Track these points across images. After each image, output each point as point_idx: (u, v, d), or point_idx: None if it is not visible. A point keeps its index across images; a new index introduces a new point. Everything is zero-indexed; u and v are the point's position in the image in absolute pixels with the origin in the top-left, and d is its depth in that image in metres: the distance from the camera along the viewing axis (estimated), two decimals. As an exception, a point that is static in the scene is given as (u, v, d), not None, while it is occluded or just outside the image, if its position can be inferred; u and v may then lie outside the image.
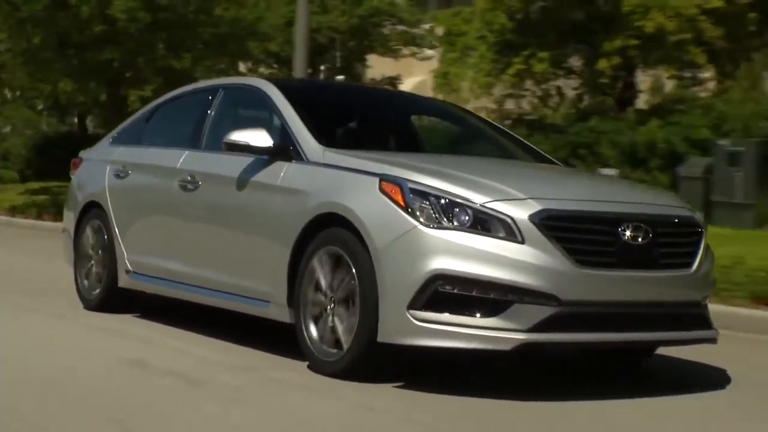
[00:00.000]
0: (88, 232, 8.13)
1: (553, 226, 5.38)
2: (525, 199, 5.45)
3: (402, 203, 5.48)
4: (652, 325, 5.63)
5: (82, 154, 8.79)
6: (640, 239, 5.55)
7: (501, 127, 7.58)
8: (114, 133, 8.59)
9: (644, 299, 5.58)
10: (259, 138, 6.35)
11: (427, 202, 5.43)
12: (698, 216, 6.04)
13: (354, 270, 5.60)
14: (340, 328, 5.69)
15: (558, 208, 5.46)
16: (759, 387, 6.18)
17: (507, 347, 5.27)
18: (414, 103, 8.21)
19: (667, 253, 5.69)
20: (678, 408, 5.45)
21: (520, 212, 5.37)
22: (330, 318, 5.76)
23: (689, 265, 5.76)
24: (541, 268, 5.30)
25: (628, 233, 5.52)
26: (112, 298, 7.81)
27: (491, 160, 6.77)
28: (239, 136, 6.42)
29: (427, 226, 5.38)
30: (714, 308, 6.26)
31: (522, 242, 5.32)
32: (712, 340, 5.95)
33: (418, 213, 5.42)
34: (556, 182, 6.06)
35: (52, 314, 7.68)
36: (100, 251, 7.95)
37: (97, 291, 7.92)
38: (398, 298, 5.38)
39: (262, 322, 6.40)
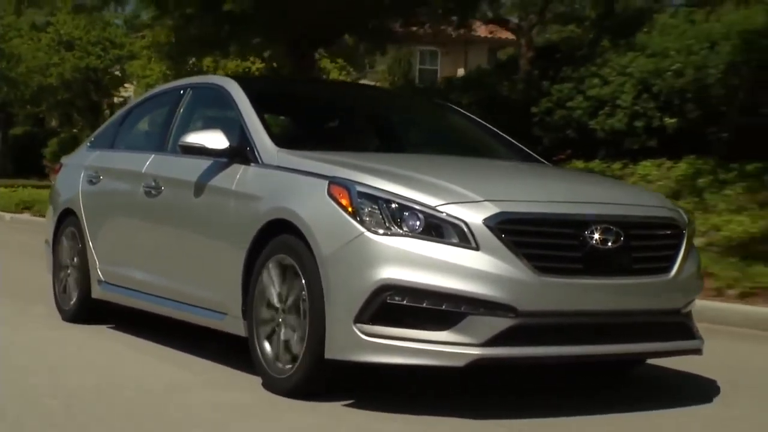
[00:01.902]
0: (64, 240, 7.85)
1: (511, 230, 4.93)
2: (481, 201, 5.01)
3: (349, 208, 5.07)
4: (625, 336, 5.17)
5: (63, 159, 8.52)
6: (610, 243, 5.09)
7: (485, 124, 7.12)
8: (92, 137, 8.30)
9: (615, 308, 5.12)
10: (215, 140, 5.99)
11: (376, 207, 5.02)
12: (680, 216, 5.56)
13: (303, 280, 5.21)
14: (292, 343, 5.30)
15: (516, 210, 5.01)
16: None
17: (460, 363, 4.84)
18: (392, 100, 7.81)
19: (642, 258, 5.23)
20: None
21: (474, 216, 4.94)
22: (282, 332, 5.38)
23: (668, 270, 5.29)
24: (497, 276, 4.86)
25: (596, 237, 5.07)
26: (86, 309, 7.51)
27: (457, 160, 6.31)
28: (194, 138, 6.07)
29: (375, 232, 4.97)
30: None
31: (476, 248, 4.89)
32: (696, 351, 5.47)
33: (366, 218, 5.01)
34: (520, 182, 5.58)
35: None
36: (75, 260, 7.66)
37: (73, 302, 7.62)
38: (345, 310, 4.97)
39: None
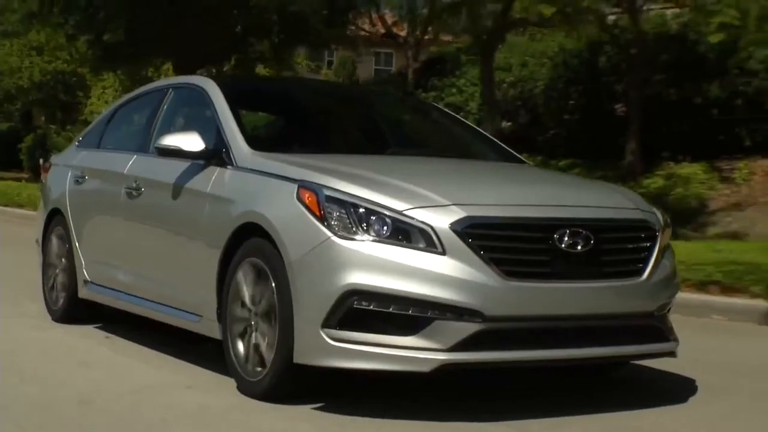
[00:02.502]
0: (52, 240, 7.87)
1: (478, 234, 4.90)
2: (448, 205, 4.98)
3: (317, 212, 5.05)
4: (595, 340, 5.13)
5: (52, 158, 8.53)
6: (579, 247, 5.06)
7: (469, 124, 7.09)
8: (80, 136, 8.30)
9: (585, 312, 5.08)
10: (191, 142, 5.98)
11: (344, 211, 5.00)
12: (655, 217, 5.51)
13: (273, 284, 5.20)
14: (262, 347, 5.30)
15: (483, 215, 4.98)
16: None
17: (426, 368, 4.82)
18: (376, 99, 7.74)
19: (613, 261, 5.19)
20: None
21: (440, 220, 4.91)
22: (254, 335, 5.37)
23: (640, 272, 5.25)
24: (463, 281, 4.84)
25: (565, 240, 5.03)
26: (74, 309, 7.51)
27: (432, 162, 6.26)
28: (170, 140, 6.07)
29: (342, 237, 4.95)
30: None
31: (443, 253, 4.87)
32: (670, 354, 5.43)
33: (333, 222, 4.99)
34: (491, 185, 5.53)
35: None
36: (63, 260, 7.67)
37: (61, 302, 7.64)
38: (312, 315, 4.96)
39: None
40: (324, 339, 4.92)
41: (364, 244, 4.92)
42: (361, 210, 4.98)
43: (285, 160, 5.59)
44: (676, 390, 5.79)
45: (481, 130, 7.02)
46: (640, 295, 5.23)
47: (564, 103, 16.56)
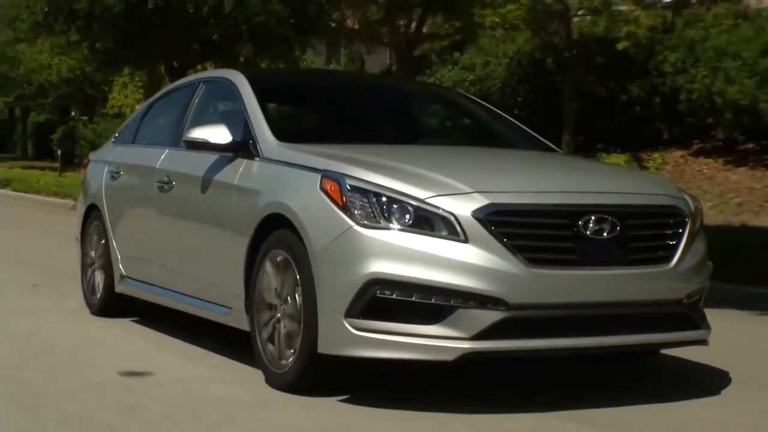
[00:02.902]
0: (90, 235, 7.93)
1: (501, 222, 4.86)
2: (470, 193, 4.94)
3: (340, 201, 5.03)
4: (622, 327, 5.06)
5: (90, 155, 8.60)
6: (605, 233, 4.99)
7: (498, 112, 7.01)
8: (117, 132, 8.36)
9: (611, 300, 5.01)
10: (218, 134, 5.99)
11: (366, 200, 4.98)
12: (685, 203, 5.42)
13: (297, 275, 5.19)
14: (288, 338, 5.29)
15: (506, 202, 4.93)
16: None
17: (449, 357, 4.79)
18: (405, 89, 7.68)
19: (640, 248, 5.11)
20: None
21: (463, 208, 4.87)
22: (280, 327, 5.37)
23: (668, 259, 5.16)
24: (486, 269, 4.79)
25: (590, 227, 4.97)
26: (111, 303, 7.56)
27: (457, 150, 6.21)
28: (198, 133, 6.09)
29: (365, 226, 4.93)
30: None
31: (465, 241, 4.83)
32: (701, 342, 5.35)
33: (356, 212, 4.97)
34: (515, 173, 5.47)
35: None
36: (100, 255, 7.73)
37: (98, 296, 7.69)
38: (335, 305, 4.95)
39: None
40: (347, 329, 4.90)
41: (386, 233, 4.89)
42: (384, 199, 4.95)
43: (310, 151, 5.57)
44: (709, 380, 5.70)
45: (511, 119, 6.94)
46: (669, 282, 5.15)
47: (514, 100, 17.91)
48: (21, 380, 5.52)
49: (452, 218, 4.85)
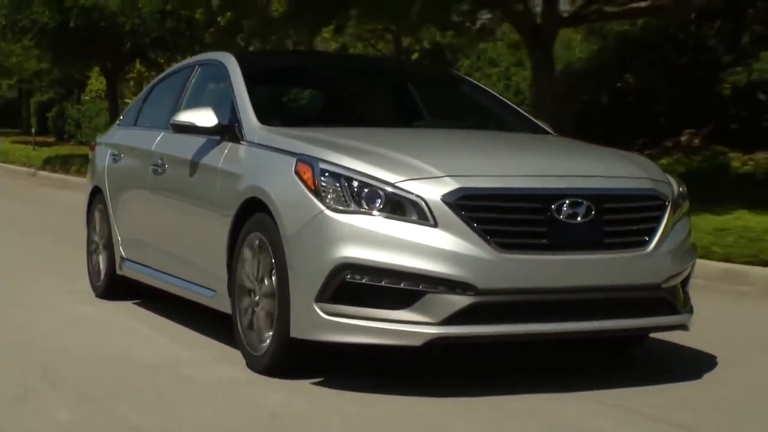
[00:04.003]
0: (95, 218, 7.99)
1: (471, 206, 4.82)
2: (441, 177, 4.90)
3: (312, 185, 5.02)
4: (597, 312, 5.00)
5: (98, 137, 8.65)
6: (579, 218, 4.94)
7: (495, 94, 6.95)
8: (122, 115, 8.40)
9: (584, 284, 4.95)
10: (204, 118, 6.00)
11: (338, 184, 4.96)
12: (666, 187, 5.33)
13: (273, 259, 5.19)
14: (265, 322, 5.29)
15: (476, 186, 4.88)
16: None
17: (417, 342, 4.77)
18: (400, 70, 7.61)
19: (616, 232, 5.04)
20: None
21: (433, 192, 4.84)
22: (258, 310, 5.38)
23: (645, 244, 5.09)
24: (455, 254, 4.76)
25: (564, 211, 4.91)
26: (114, 285, 7.61)
27: (437, 133, 6.15)
28: (185, 116, 6.10)
29: (336, 210, 4.91)
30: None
31: (434, 225, 4.80)
32: (682, 327, 5.28)
33: (328, 196, 4.95)
34: (489, 156, 5.40)
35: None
36: (103, 237, 7.79)
37: (102, 278, 7.75)
38: (306, 289, 4.94)
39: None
40: (318, 313, 4.89)
41: (356, 218, 4.87)
42: (355, 183, 4.93)
43: (290, 135, 5.56)
44: (693, 365, 5.62)
45: (506, 101, 6.87)
46: (646, 266, 5.08)
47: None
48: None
49: (422, 203, 4.82)
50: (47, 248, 10.70)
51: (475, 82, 7.10)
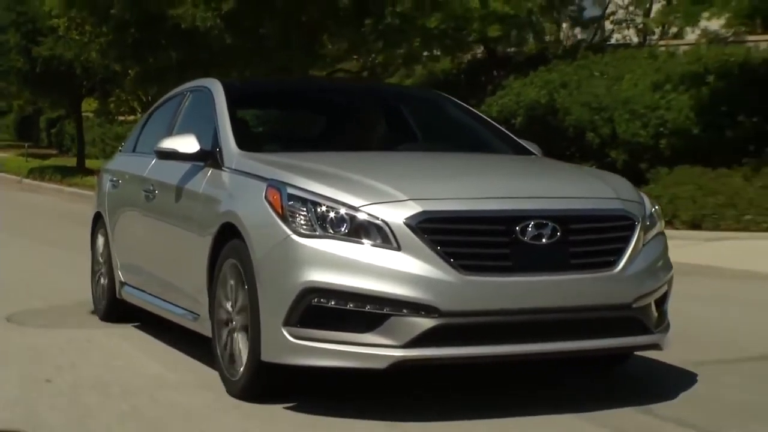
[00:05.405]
0: (97, 243, 8.12)
1: (434, 229, 4.85)
2: (405, 200, 4.94)
3: (280, 210, 5.08)
4: (564, 333, 4.99)
5: (102, 164, 8.78)
6: (544, 239, 4.95)
7: (481, 115, 6.96)
8: (123, 141, 8.52)
9: (550, 305, 4.95)
10: (186, 144, 6.09)
11: (305, 209, 5.02)
12: (636, 207, 5.32)
13: (246, 284, 5.25)
14: (240, 346, 5.35)
15: (440, 209, 4.91)
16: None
17: (381, 365, 4.80)
18: (382, 95, 7.55)
19: (582, 253, 5.04)
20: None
21: (396, 215, 4.88)
22: (235, 335, 5.44)
23: (614, 264, 5.08)
24: (418, 276, 4.79)
25: (528, 233, 4.93)
26: (114, 309, 7.72)
27: (409, 156, 6.14)
28: (168, 143, 6.20)
29: (302, 234, 4.97)
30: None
31: (398, 249, 4.83)
32: (655, 347, 5.26)
33: (294, 220, 5.01)
34: (456, 178, 5.40)
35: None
36: (104, 261, 7.90)
37: (104, 302, 7.86)
38: (275, 313, 5.00)
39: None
40: (286, 337, 4.95)
41: (321, 242, 4.92)
42: (321, 208, 4.99)
43: (264, 160, 5.63)
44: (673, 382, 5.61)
45: (493, 122, 6.88)
46: (614, 286, 5.07)
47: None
48: None
49: (385, 226, 4.86)
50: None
51: (461, 102, 7.09)
